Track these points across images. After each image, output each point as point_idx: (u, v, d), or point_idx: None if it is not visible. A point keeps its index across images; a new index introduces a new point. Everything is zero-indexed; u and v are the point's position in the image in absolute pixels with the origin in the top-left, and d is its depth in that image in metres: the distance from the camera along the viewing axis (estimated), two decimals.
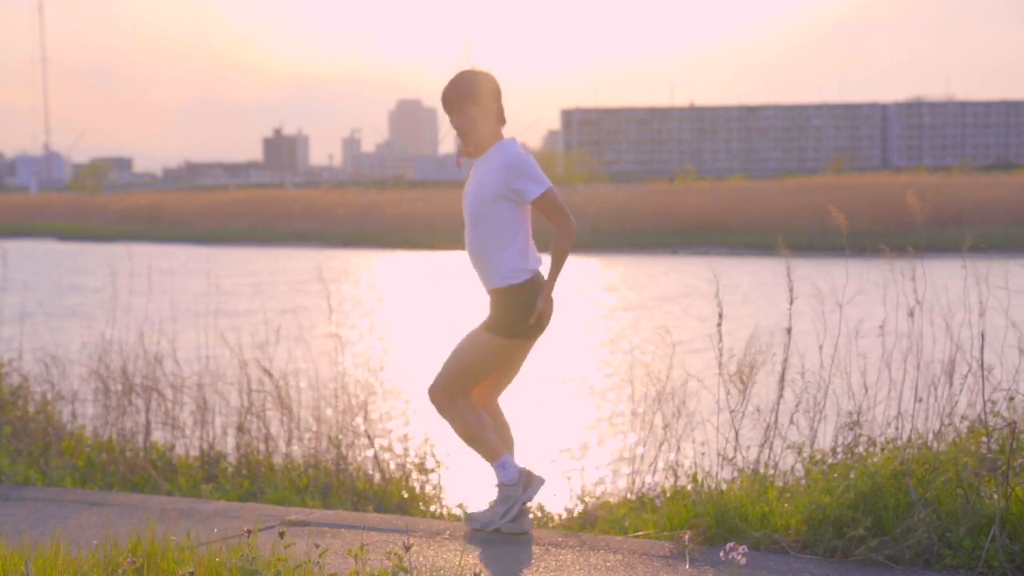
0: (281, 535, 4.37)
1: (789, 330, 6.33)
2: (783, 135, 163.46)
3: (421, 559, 5.16)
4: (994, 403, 5.56)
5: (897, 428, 6.01)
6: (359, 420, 7.84)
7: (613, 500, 6.93)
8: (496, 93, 5.53)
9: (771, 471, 6.08)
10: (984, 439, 5.44)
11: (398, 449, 7.83)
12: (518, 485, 5.58)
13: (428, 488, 7.56)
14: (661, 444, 6.75)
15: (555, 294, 5.56)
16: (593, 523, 6.42)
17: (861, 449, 5.83)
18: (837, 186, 49.52)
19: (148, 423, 8.41)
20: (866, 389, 6.19)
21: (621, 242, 46.77)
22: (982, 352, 5.72)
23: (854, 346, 6.36)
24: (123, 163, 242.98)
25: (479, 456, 5.68)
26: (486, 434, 5.59)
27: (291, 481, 7.62)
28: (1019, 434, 5.33)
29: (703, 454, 6.26)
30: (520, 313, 5.48)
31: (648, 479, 6.85)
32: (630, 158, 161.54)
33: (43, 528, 6.01)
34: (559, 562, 5.19)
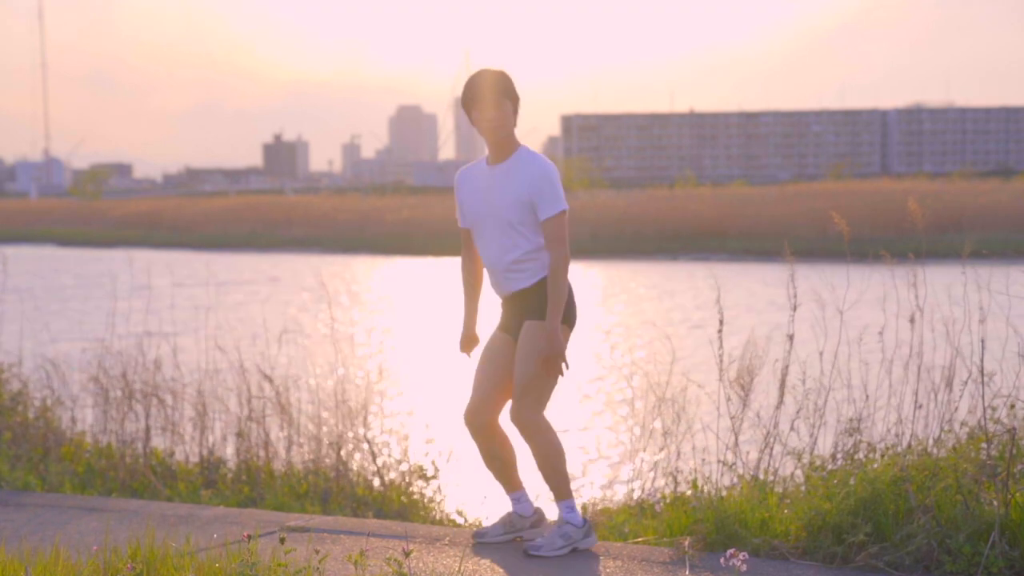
0: (281, 541, 4.37)
1: (791, 336, 6.33)
2: (783, 141, 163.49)
3: (421, 565, 5.16)
4: (994, 409, 5.56)
5: (897, 434, 6.01)
6: (359, 426, 7.84)
7: (613, 506, 6.92)
8: (517, 91, 5.50)
9: (771, 477, 6.08)
10: (984, 445, 5.44)
11: (398, 455, 7.82)
12: (581, 530, 5.48)
13: (428, 494, 7.55)
14: (661, 450, 6.75)
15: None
16: (593, 529, 6.41)
17: (861, 455, 5.83)
18: (837, 192, 49.52)
19: (148, 429, 8.41)
20: (866, 395, 6.19)
21: (621, 248, 46.76)
22: (982, 359, 5.72)
23: (855, 352, 6.35)
24: (123, 169, 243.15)
25: (550, 485, 5.49)
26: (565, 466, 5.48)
27: (291, 487, 7.62)
28: (1019, 441, 5.33)
29: (703, 460, 6.26)
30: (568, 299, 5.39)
31: (648, 485, 6.85)
32: (630, 164, 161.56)
33: (42, 534, 6.00)
34: (559, 568, 5.19)
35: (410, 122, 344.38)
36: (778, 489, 5.93)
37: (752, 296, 27.12)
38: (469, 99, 5.42)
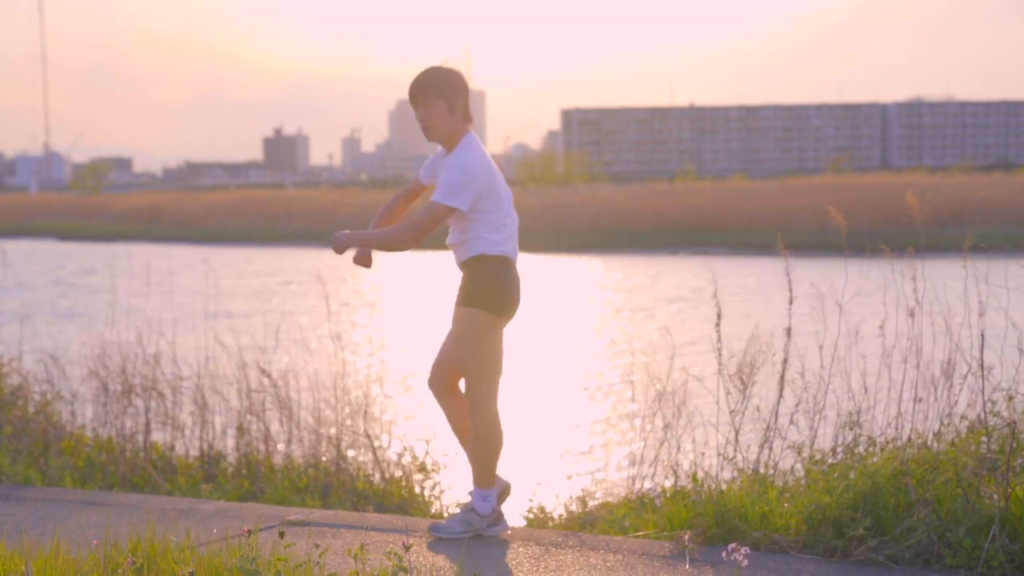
0: (281, 535, 4.37)
1: (789, 330, 6.33)
2: (783, 135, 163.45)
3: (421, 559, 5.16)
4: (994, 403, 5.56)
5: (897, 428, 6.01)
6: (359, 420, 7.84)
7: (613, 500, 6.93)
8: (463, 90, 5.48)
9: (771, 471, 6.08)
10: (984, 439, 5.44)
11: (398, 449, 7.83)
12: (486, 519, 5.60)
13: (428, 488, 7.56)
14: (661, 444, 6.75)
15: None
16: (593, 523, 6.42)
17: (861, 449, 5.83)
18: (837, 186, 49.48)
19: (148, 423, 8.41)
20: (866, 389, 6.19)
21: (621, 242, 46.76)
22: (982, 352, 5.72)
23: (854, 346, 6.35)
24: (123, 163, 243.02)
25: (473, 469, 5.62)
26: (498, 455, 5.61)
27: (291, 481, 7.62)
28: (1019, 434, 5.34)
29: (703, 454, 6.26)
30: (488, 285, 5.45)
31: (648, 479, 6.85)
32: (630, 158, 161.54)
33: (43, 528, 6.01)
34: (559, 562, 5.19)
35: (410, 116, 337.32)
36: (778, 483, 5.93)
37: (751, 289, 27.12)
38: (409, 97, 5.50)
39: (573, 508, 6.72)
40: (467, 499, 5.69)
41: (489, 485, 5.58)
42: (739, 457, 6.14)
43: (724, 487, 5.82)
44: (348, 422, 7.85)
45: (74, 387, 9.04)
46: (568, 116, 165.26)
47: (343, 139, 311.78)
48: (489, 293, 5.44)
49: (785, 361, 6.29)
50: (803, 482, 5.83)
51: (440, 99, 5.41)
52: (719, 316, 6.37)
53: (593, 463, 11.18)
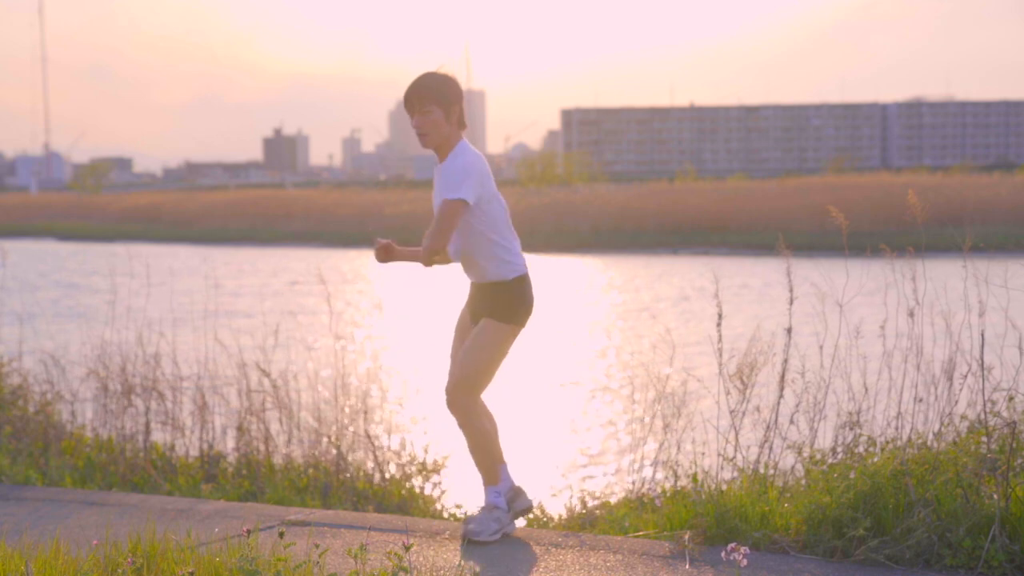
0: (281, 535, 4.37)
1: (789, 330, 6.33)
2: (783, 135, 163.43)
3: (421, 559, 5.16)
4: (994, 403, 5.56)
5: (897, 428, 6.01)
6: (359, 420, 7.84)
7: (613, 500, 6.93)
8: (458, 96, 5.50)
9: (771, 471, 6.08)
10: (984, 439, 5.44)
11: (398, 449, 7.83)
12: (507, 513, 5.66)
13: (428, 488, 7.56)
14: (661, 444, 6.75)
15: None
16: (593, 523, 6.42)
17: (861, 449, 5.83)
18: (837, 186, 49.50)
19: (148, 423, 8.41)
20: (866, 389, 6.19)
21: (621, 242, 46.75)
22: (982, 352, 5.72)
23: (854, 346, 6.35)
24: (123, 163, 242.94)
25: (479, 470, 5.66)
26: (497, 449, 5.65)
27: (291, 481, 7.62)
28: (1019, 434, 5.34)
29: (703, 454, 6.26)
30: (514, 303, 5.54)
31: (648, 479, 6.85)
32: (630, 158, 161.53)
33: (43, 528, 6.01)
34: (559, 562, 5.19)
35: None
36: (778, 483, 5.93)
37: (751, 290, 27.12)
38: (404, 104, 5.51)
39: (573, 508, 6.72)
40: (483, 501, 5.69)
41: (498, 481, 5.61)
42: (739, 457, 6.14)
43: (724, 487, 5.81)
44: (348, 422, 7.85)
45: (74, 387, 9.04)
46: (568, 116, 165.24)
47: (343, 139, 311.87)
48: (521, 308, 5.57)
49: (785, 361, 6.29)
50: (803, 482, 5.83)
51: (436, 106, 5.43)
52: (720, 316, 6.37)
53: (593, 463, 11.18)
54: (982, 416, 5.60)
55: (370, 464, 7.73)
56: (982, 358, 5.72)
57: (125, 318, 9.16)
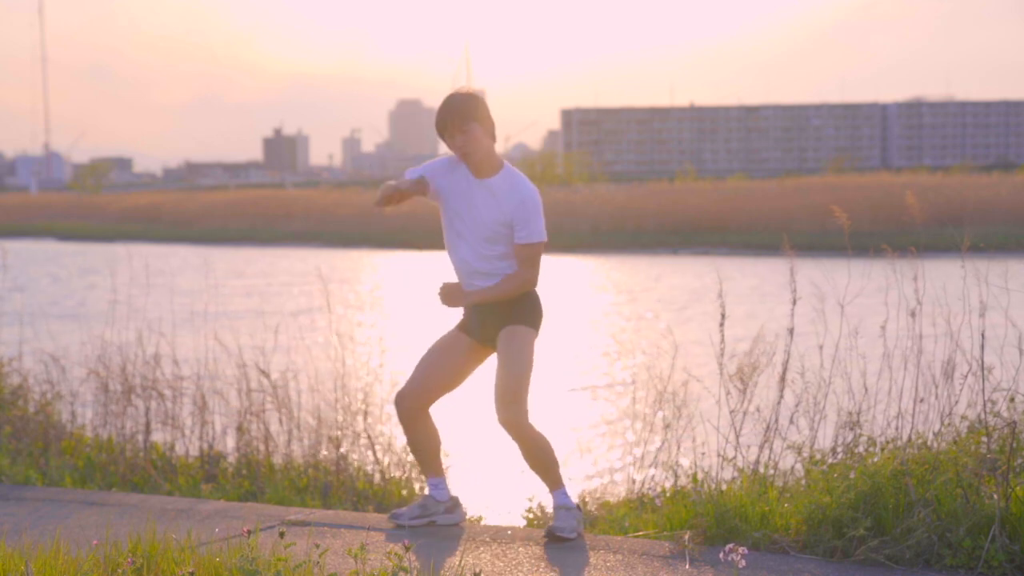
0: (281, 535, 4.37)
1: (791, 330, 6.33)
2: (783, 135, 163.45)
3: (421, 559, 5.16)
4: (994, 403, 5.56)
5: (897, 428, 6.01)
6: (359, 420, 7.84)
7: (613, 500, 6.93)
8: (488, 109, 5.61)
9: (771, 471, 6.08)
10: (984, 439, 5.44)
11: (398, 449, 7.82)
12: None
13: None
14: (661, 444, 6.75)
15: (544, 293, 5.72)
16: (593, 523, 6.42)
17: (861, 449, 5.83)
18: (837, 186, 49.49)
19: (148, 423, 8.41)
20: (866, 389, 6.19)
21: (621, 242, 46.76)
22: (982, 352, 5.72)
23: (854, 346, 6.35)
24: (123, 163, 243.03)
25: (542, 479, 5.69)
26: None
27: (291, 481, 7.62)
28: (1019, 434, 5.33)
29: (703, 454, 6.26)
30: (538, 309, 5.72)
31: (648, 479, 6.85)
32: (630, 158, 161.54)
33: (43, 528, 6.01)
34: (559, 562, 5.19)
35: (410, 116, 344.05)
36: (778, 483, 5.93)
37: (752, 290, 27.12)
38: (439, 128, 5.60)
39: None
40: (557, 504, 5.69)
41: (562, 484, 5.67)
42: (739, 457, 6.14)
43: (724, 487, 5.82)
44: (348, 422, 7.84)
45: (74, 387, 9.04)
46: (568, 116, 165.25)
47: (343, 139, 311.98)
48: (540, 314, 5.74)
49: (786, 361, 6.29)
50: (803, 482, 5.83)
51: (474, 122, 5.53)
52: (723, 316, 6.37)
53: (593, 463, 11.18)
54: (982, 416, 5.60)
55: (370, 464, 7.73)
56: (982, 358, 5.72)
57: (125, 318, 9.16)
